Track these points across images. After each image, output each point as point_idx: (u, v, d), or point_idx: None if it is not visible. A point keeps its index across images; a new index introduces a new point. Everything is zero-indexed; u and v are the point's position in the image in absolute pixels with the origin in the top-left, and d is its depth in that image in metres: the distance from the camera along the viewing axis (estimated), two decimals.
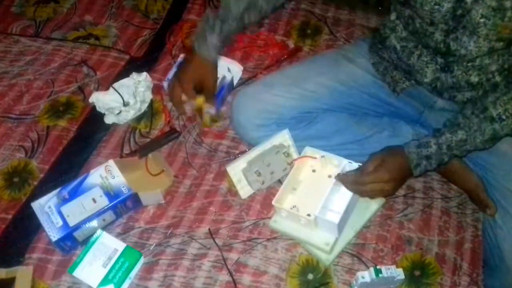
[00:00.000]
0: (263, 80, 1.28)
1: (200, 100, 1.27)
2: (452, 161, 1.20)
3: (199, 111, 1.30)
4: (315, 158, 1.16)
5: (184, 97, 1.27)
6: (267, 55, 1.48)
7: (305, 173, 1.17)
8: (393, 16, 1.12)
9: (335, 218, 1.05)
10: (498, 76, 1.04)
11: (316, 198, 1.07)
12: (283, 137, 1.19)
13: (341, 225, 1.07)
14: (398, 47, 1.12)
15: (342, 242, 1.11)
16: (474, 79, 1.05)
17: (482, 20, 0.93)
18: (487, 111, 1.02)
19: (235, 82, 1.40)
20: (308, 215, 1.07)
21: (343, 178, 1.08)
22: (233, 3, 1.18)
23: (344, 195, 1.08)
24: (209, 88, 1.26)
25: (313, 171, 1.17)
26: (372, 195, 1.10)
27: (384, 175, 1.04)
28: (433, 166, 1.07)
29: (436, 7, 0.96)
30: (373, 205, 1.14)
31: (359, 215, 1.14)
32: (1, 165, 1.27)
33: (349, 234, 1.12)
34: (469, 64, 1.03)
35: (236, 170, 1.18)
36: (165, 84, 1.38)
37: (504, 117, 1.01)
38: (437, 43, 1.03)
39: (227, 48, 1.47)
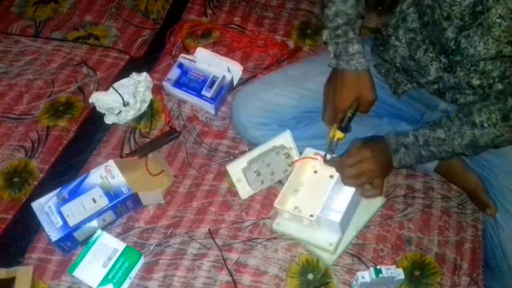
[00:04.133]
0: (264, 79, 1.28)
1: (341, 134, 1.14)
2: (453, 161, 1.20)
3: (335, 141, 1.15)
4: (315, 158, 1.15)
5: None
6: (267, 55, 1.48)
7: (307, 174, 1.17)
8: (404, 6, 1.12)
9: (337, 217, 1.05)
10: (499, 82, 1.04)
11: (318, 199, 1.07)
12: (285, 139, 1.19)
13: (343, 224, 1.07)
14: (405, 39, 1.12)
15: (345, 242, 1.11)
16: (476, 82, 1.06)
17: (498, 20, 0.94)
18: (470, 116, 1.03)
19: (235, 82, 1.40)
20: (311, 215, 1.07)
21: (330, 163, 1.11)
22: (343, 6, 1.12)
23: (346, 194, 1.08)
24: (369, 99, 1.13)
25: (315, 172, 1.17)
26: (357, 181, 1.07)
27: (366, 152, 1.06)
28: (411, 159, 1.08)
29: (458, 0, 0.97)
30: (374, 204, 1.14)
31: (360, 214, 1.14)
32: (1, 165, 1.27)
33: (351, 234, 1.12)
34: (471, 68, 1.04)
35: (236, 169, 1.17)
36: (165, 84, 1.38)
37: (486, 125, 1.02)
38: (447, 40, 1.03)
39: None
